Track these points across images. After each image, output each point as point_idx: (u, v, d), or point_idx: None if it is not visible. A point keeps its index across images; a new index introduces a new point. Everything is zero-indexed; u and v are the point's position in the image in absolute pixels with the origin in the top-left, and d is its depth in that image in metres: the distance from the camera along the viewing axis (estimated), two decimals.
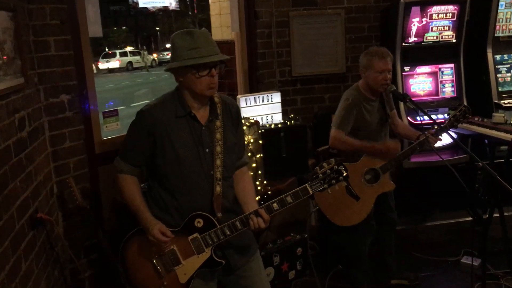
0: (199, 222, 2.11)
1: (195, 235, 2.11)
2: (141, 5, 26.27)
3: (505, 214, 3.63)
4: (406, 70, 4.40)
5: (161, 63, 30.43)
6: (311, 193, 2.09)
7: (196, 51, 2.01)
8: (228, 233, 2.10)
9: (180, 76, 2.09)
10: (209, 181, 2.13)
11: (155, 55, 32.85)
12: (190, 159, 2.11)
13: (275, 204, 2.10)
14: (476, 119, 3.73)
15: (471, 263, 3.42)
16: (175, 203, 2.14)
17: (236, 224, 2.09)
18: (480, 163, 2.64)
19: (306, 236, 3.59)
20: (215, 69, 2.06)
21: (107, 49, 31.99)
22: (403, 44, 4.30)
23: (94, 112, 3.15)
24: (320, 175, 2.08)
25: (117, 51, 30.12)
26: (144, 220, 2.11)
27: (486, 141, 3.68)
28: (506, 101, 4.33)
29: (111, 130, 3.37)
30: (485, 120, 3.70)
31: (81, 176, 3.04)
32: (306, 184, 2.10)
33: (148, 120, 2.10)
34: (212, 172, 2.13)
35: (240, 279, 2.27)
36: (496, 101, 4.35)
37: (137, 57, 30.56)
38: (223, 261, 2.15)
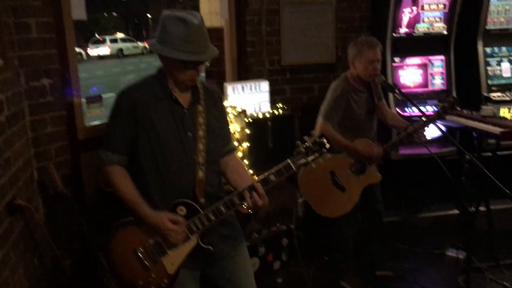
0: (181, 210, 2.05)
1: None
2: None
3: (491, 207, 3.64)
4: (396, 61, 4.36)
5: (151, 50, 30.12)
6: (294, 168, 2.02)
7: (190, 45, 1.95)
8: (213, 218, 2.04)
9: (165, 60, 2.04)
10: (191, 165, 2.08)
11: (145, 43, 32.55)
12: (172, 142, 2.05)
13: (271, 176, 2.02)
14: (465, 111, 3.72)
15: (456, 255, 3.44)
16: (157, 187, 2.08)
17: (220, 208, 2.03)
18: (467, 156, 2.62)
19: (292, 226, 3.57)
20: (202, 63, 2.04)
21: (96, 35, 31.62)
22: (393, 34, 4.26)
23: (77, 98, 3.08)
24: (302, 149, 2.03)
25: (107, 37, 29.80)
26: (145, 214, 2.03)
27: (474, 134, 3.67)
28: (495, 94, 4.33)
29: (95, 116, 3.30)
30: (474, 113, 3.68)
31: (63, 163, 2.98)
32: (288, 160, 2.03)
33: (129, 100, 2.04)
34: (194, 156, 2.08)
35: (224, 271, 2.23)
36: (486, 94, 4.34)
37: (128, 44, 30.26)
38: (211, 247, 2.10)
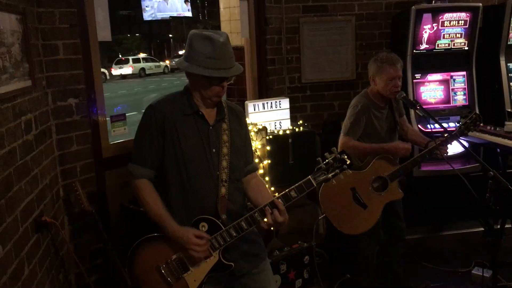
0: (203, 226, 2.08)
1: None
2: (158, 16, 26.40)
3: None
4: (417, 77, 4.35)
5: (173, 70, 30.64)
6: (315, 185, 2.04)
7: (214, 62, 2.00)
8: (235, 234, 2.06)
9: (191, 77, 2.10)
10: (215, 182, 2.11)
11: (167, 62, 33.06)
12: (197, 158, 2.09)
13: (292, 192, 2.04)
14: (488, 127, 3.68)
15: (482, 274, 3.36)
16: (180, 201, 2.11)
17: (241, 225, 2.05)
18: (491, 172, 2.59)
19: (313, 244, 3.55)
20: (227, 80, 2.08)
21: (120, 56, 32.26)
22: (414, 51, 4.26)
23: (102, 116, 3.14)
24: (323, 165, 2.04)
25: (130, 58, 30.38)
26: (172, 229, 2.06)
27: (498, 150, 3.62)
28: None
29: (119, 134, 3.36)
30: (497, 129, 3.64)
31: (88, 180, 3.03)
32: (309, 176, 2.05)
33: (158, 114, 2.09)
34: (218, 173, 2.11)
35: None
36: (509, 110, 4.28)
37: (150, 64, 30.78)
38: (232, 264, 2.11)
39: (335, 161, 2.04)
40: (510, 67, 4.40)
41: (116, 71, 28.97)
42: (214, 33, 2.06)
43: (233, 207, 2.16)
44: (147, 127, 2.12)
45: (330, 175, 2.04)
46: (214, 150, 2.12)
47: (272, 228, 2.06)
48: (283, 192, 2.06)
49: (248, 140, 2.33)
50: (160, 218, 2.09)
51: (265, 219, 2.06)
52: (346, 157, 2.04)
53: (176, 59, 31.97)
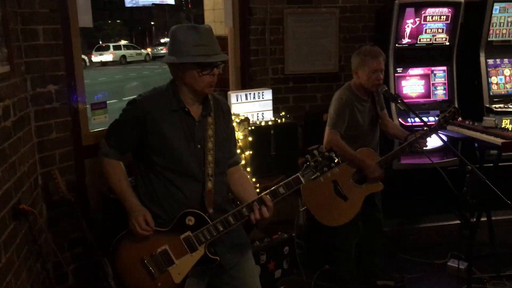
0: (190, 220, 2.08)
1: (187, 233, 2.07)
2: (140, 3, 26.01)
3: (493, 218, 3.64)
4: (398, 71, 4.39)
5: (154, 57, 30.30)
6: (303, 182, 2.06)
7: (202, 48, 2.00)
8: (221, 229, 2.06)
9: (180, 71, 2.07)
10: (201, 176, 2.11)
11: (149, 50, 32.68)
12: (182, 153, 2.09)
13: (281, 189, 2.06)
14: (467, 122, 3.74)
15: (457, 266, 3.43)
16: (167, 197, 2.11)
17: (229, 219, 2.06)
18: (469, 167, 2.64)
19: (293, 235, 3.57)
20: (217, 68, 2.07)
21: (100, 42, 31.77)
22: (396, 45, 4.30)
23: (82, 104, 3.10)
24: (312, 163, 2.05)
25: (111, 44, 29.93)
26: (130, 205, 2.09)
27: (476, 144, 3.69)
28: (497, 106, 4.35)
29: (99, 122, 3.32)
30: (476, 123, 3.70)
31: (67, 168, 3.00)
32: (298, 173, 2.06)
33: (139, 110, 2.09)
34: (203, 168, 2.11)
35: (233, 279, 2.24)
36: (487, 105, 4.36)
37: (131, 51, 30.39)
38: (218, 258, 2.12)
39: (324, 158, 2.05)
40: (490, 63, 4.47)
41: (96, 57, 28.51)
42: (197, 24, 2.08)
43: (220, 201, 2.17)
44: (125, 118, 2.14)
45: (318, 173, 2.05)
46: (199, 146, 2.12)
47: (254, 221, 2.06)
48: (272, 188, 2.07)
49: (232, 133, 2.34)
50: (123, 194, 2.13)
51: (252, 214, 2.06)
52: (334, 155, 2.05)
53: (158, 47, 31.41)
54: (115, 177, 2.16)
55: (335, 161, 2.05)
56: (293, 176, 2.07)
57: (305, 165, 2.06)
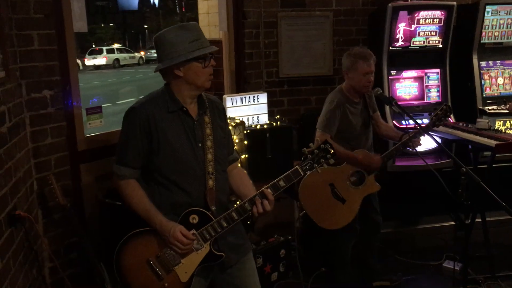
0: (194, 218, 2.09)
1: (191, 231, 2.08)
2: None
3: (487, 219, 3.66)
4: (392, 74, 4.41)
5: (148, 61, 30.24)
6: (302, 174, 2.09)
7: (199, 42, 2.05)
8: (225, 225, 2.08)
9: (182, 72, 2.07)
10: (202, 175, 2.13)
11: (142, 53, 32.62)
12: (185, 153, 2.10)
13: (281, 182, 2.09)
14: (461, 124, 3.76)
15: (453, 267, 3.44)
16: (171, 198, 2.11)
17: (232, 215, 2.08)
18: (463, 168, 2.65)
19: (289, 238, 3.58)
20: (213, 59, 2.12)
21: (94, 46, 31.68)
22: (390, 48, 4.32)
23: (77, 109, 3.09)
24: (309, 155, 2.09)
25: (104, 48, 29.84)
26: (159, 223, 2.06)
27: (470, 146, 3.71)
28: (490, 107, 4.38)
29: (95, 127, 3.32)
30: (469, 125, 3.73)
31: (62, 174, 2.99)
32: (297, 166, 2.10)
33: (142, 115, 2.07)
34: (204, 166, 2.13)
35: (234, 279, 2.25)
36: (481, 107, 4.39)
37: (125, 54, 30.32)
38: (223, 254, 2.13)
39: (320, 150, 2.10)
40: (482, 65, 4.51)
41: (89, 61, 28.40)
42: (182, 23, 2.12)
43: (221, 198, 2.18)
44: (130, 129, 2.10)
45: (316, 165, 2.10)
46: (200, 145, 2.13)
47: (257, 214, 2.10)
48: (272, 182, 2.10)
49: (228, 131, 2.36)
50: (148, 213, 2.08)
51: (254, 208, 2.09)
52: (329, 146, 2.10)
53: (152, 50, 31.17)
54: (137, 198, 2.11)
55: (331, 152, 2.09)
56: (292, 169, 2.10)
57: (302, 157, 2.10)
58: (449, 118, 3.63)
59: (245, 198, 2.13)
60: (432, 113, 3.27)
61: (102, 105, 3.68)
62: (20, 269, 2.41)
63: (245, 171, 2.43)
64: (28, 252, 2.59)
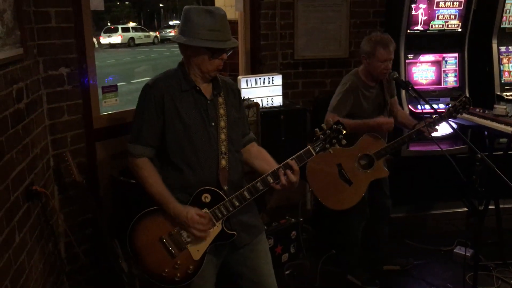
0: (206, 197, 2.12)
1: (204, 210, 2.11)
2: None
3: (501, 206, 3.64)
4: (409, 57, 4.35)
5: (163, 40, 30.20)
6: (314, 154, 2.09)
7: (216, 33, 2.02)
8: (237, 204, 2.10)
9: (191, 52, 2.08)
10: (215, 154, 2.14)
11: (157, 33, 32.58)
12: (198, 132, 2.11)
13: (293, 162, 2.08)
14: (478, 110, 3.71)
15: (464, 253, 3.45)
16: (183, 178, 2.13)
17: (244, 194, 2.10)
18: (479, 155, 2.63)
19: (301, 219, 3.60)
20: (227, 53, 2.10)
21: (109, 24, 31.68)
22: (408, 31, 4.25)
23: (93, 87, 3.11)
24: (321, 136, 2.09)
25: (120, 27, 29.84)
26: (173, 207, 2.09)
27: (486, 132, 3.67)
28: (508, 93, 4.31)
29: (110, 105, 3.34)
30: (486, 111, 3.68)
31: (78, 151, 3.03)
32: (309, 146, 2.10)
33: (157, 93, 2.09)
34: (217, 145, 2.14)
35: (245, 259, 2.27)
36: (498, 93, 4.32)
37: (140, 33, 30.29)
38: (235, 233, 2.16)
39: (332, 131, 2.09)
40: (502, 50, 4.42)
41: (105, 39, 28.45)
42: (211, 7, 2.07)
43: (234, 178, 2.19)
44: (146, 106, 2.11)
45: (328, 145, 2.10)
46: (213, 124, 2.14)
47: (282, 187, 2.11)
48: (284, 162, 2.10)
49: (243, 112, 2.36)
50: (161, 196, 2.10)
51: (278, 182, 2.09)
52: (341, 127, 2.09)
53: (167, 30, 31.18)
54: (152, 180, 2.12)
55: (343, 132, 2.09)
56: (304, 149, 2.11)
57: (314, 137, 2.10)
58: None
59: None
60: (450, 103, 3.23)
61: (117, 84, 3.71)
62: (37, 243, 2.47)
63: (263, 149, 2.42)
64: (44, 227, 2.65)
